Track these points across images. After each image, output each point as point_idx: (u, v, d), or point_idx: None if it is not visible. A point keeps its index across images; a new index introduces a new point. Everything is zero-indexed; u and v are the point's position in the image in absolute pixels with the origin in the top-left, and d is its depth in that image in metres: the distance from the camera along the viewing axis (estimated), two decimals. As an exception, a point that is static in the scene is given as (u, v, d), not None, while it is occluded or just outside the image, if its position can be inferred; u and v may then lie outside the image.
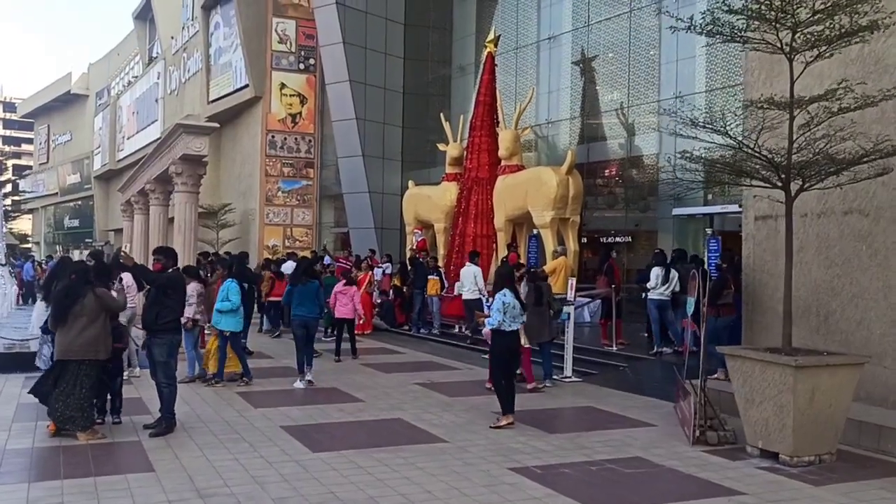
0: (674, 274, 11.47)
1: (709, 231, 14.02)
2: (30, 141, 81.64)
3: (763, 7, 7.30)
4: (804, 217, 8.94)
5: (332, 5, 24.00)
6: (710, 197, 16.87)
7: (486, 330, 8.60)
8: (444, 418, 8.49)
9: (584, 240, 18.48)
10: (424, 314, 17.07)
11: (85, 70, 63.06)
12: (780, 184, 7.53)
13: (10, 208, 48.52)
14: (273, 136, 30.17)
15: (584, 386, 10.79)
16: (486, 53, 19.96)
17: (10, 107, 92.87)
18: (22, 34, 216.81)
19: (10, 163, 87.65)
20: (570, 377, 11.11)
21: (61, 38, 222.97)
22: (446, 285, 16.48)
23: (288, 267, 16.34)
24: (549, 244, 16.13)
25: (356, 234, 25.70)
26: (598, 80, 19.87)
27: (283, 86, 30.17)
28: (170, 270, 7.90)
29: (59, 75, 71.77)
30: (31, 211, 74.62)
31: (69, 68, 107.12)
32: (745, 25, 7.58)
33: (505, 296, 8.47)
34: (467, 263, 15.17)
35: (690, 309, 8.95)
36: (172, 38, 40.72)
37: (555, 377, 11.05)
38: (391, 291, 18.08)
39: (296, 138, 30.47)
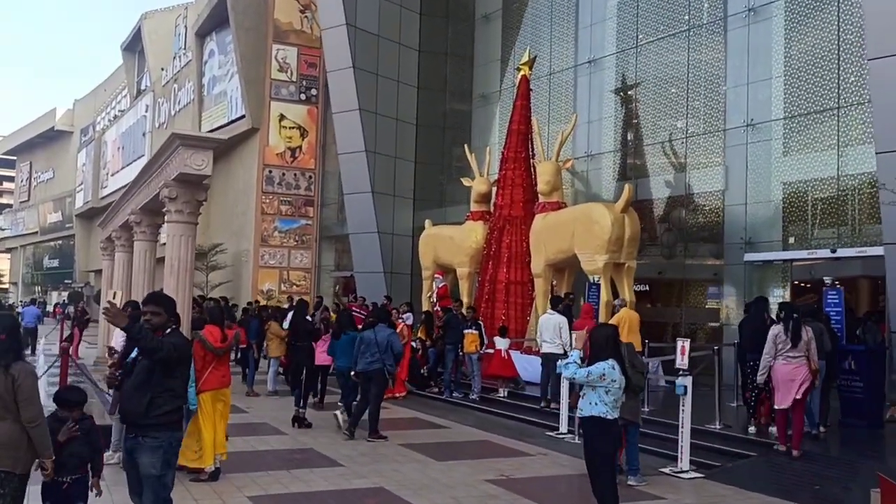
0: (808, 334, 8.77)
1: (827, 280, 11.44)
2: (11, 179, 78.57)
3: None
4: None
5: (343, 27, 21.73)
6: (791, 241, 14.39)
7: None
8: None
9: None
10: (458, 375, 14.35)
11: (70, 106, 60.55)
12: None
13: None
14: (270, 172, 27.96)
15: (710, 485, 8.00)
16: (519, 77, 17.86)
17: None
18: (4, 68, 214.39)
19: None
20: (686, 471, 8.32)
21: (46, 74, 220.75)
22: (486, 341, 13.74)
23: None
24: (604, 294, 13.64)
25: (363, 278, 23.20)
26: (647, 108, 17.57)
27: (282, 117, 28.02)
28: (169, 331, 5.12)
29: (43, 111, 69.07)
30: (8, 250, 71.46)
31: (54, 104, 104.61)
32: None
33: (613, 369, 5.79)
34: (549, 311, 12.66)
35: None
36: (163, 69, 38.49)
37: (663, 469, 8.31)
38: (417, 347, 15.30)
39: (295, 174, 28.28)
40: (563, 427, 10.60)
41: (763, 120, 14.86)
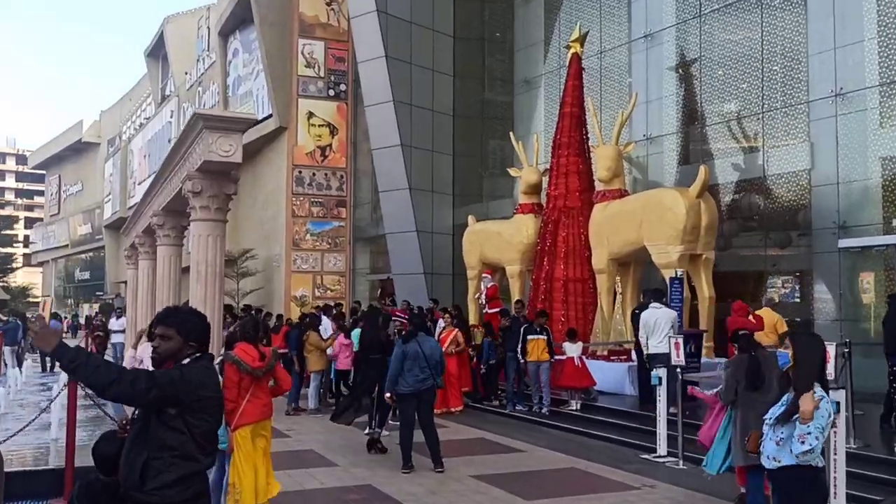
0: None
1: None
2: (41, 193, 78.34)
3: None
4: None
5: (373, 13, 20.26)
6: (894, 223, 12.54)
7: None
8: None
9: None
10: (521, 385, 12.74)
11: (97, 118, 59.82)
12: None
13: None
14: (300, 172, 26.60)
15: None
16: (570, 55, 16.33)
17: (22, 159, 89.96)
18: (34, 80, 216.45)
19: (22, 215, 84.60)
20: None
21: (74, 86, 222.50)
22: (554, 347, 12.09)
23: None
24: (705, 289, 12.16)
25: (401, 280, 21.84)
26: (713, 84, 15.91)
27: (310, 115, 26.62)
28: (187, 361, 3.48)
29: (71, 124, 68.46)
30: (40, 264, 71.02)
31: (81, 116, 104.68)
32: None
33: (829, 403, 4.29)
34: (653, 304, 10.96)
35: None
36: (186, 73, 37.30)
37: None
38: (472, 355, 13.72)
39: (326, 174, 26.95)
40: (662, 449, 8.92)
41: (855, 88, 13.02)
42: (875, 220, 12.81)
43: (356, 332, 13.08)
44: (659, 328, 10.46)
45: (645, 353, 10.81)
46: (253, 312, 17.28)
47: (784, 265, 14.82)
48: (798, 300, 14.56)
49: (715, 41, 15.71)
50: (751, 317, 10.56)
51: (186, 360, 3.44)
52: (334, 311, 16.36)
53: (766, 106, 14.71)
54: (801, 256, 14.33)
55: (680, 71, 16.60)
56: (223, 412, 3.92)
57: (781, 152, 14.45)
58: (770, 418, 4.35)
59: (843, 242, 12.93)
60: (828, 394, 4.38)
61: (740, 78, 15.31)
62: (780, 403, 4.37)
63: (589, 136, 15.81)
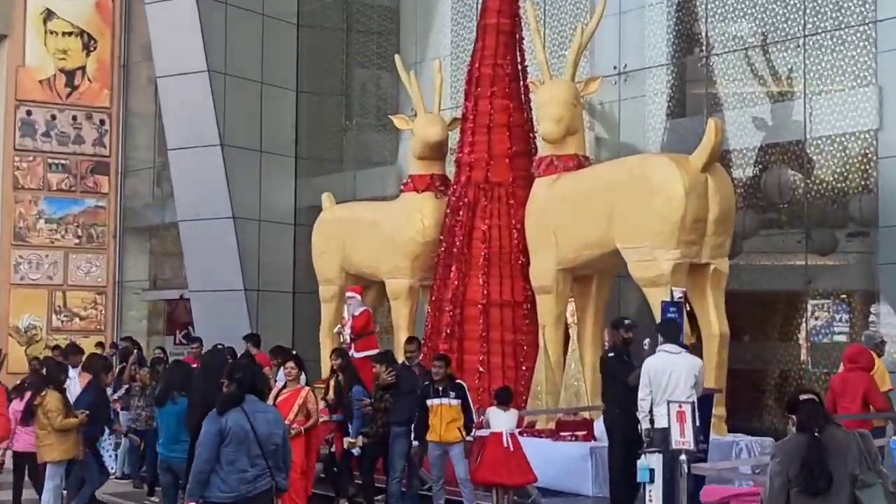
0: None
1: None
2: None
3: None
4: None
5: None
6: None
7: None
8: None
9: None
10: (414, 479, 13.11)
11: None
12: None
13: None
14: (29, 113, 26.60)
15: None
16: None
17: None
18: None
19: None
20: None
21: None
22: (473, 418, 12.23)
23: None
24: (714, 320, 12.92)
25: (204, 301, 22.39)
26: None
27: (49, 15, 26.73)
28: None
29: None
30: None
31: None
32: None
33: None
34: (665, 346, 11.18)
35: None
36: None
37: None
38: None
39: (74, 116, 27.12)
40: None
41: None
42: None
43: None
44: (677, 386, 10.69)
45: (643, 426, 10.95)
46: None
47: (830, 281, 15.64)
48: (848, 337, 15.38)
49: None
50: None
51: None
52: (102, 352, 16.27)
53: (809, 27, 15.42)
54: (859, 268, 15.18)
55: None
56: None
57: (833, 101, 15.23)
58: None
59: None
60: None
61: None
62: None
63: (527, 66, 16.24)
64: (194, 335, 20.99)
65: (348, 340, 16.76)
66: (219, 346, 14.47)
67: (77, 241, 26.79)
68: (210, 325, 20.91)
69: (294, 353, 14.82)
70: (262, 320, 21.05)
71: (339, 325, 17.46)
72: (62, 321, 26.17)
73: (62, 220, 26.65)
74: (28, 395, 13.73)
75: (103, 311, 26.95)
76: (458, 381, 12.50)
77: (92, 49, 26.94)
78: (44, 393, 13.39)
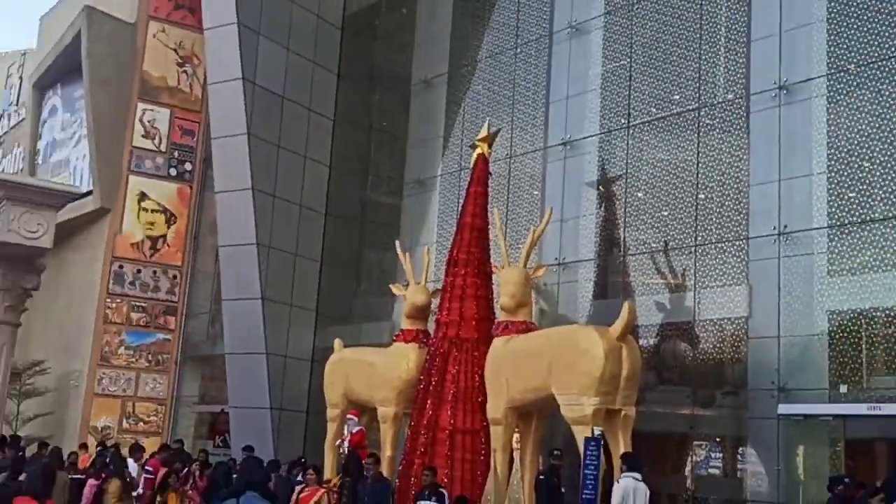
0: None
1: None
2: None
3: None
4: None
5: (238, 81, 20.79)
6: (844, 389, 13.27)
7: None
8: None
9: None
10: None
11: None
12: None
13: None
14: (121, 267, 25.96)
15: None
16: (475, 156, 16.84)
17: None
18: None
19: None
20: None
21: None
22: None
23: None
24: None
25: (239, 416, 21.59)
26: (640, 207, 16.95)
27: (143, 196, 26.29)
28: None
29: None
30: None
31: None
32: None
33: None
34: (629, 473, 11.20)
35: None
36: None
37: None
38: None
39: (154, 271, 26.43)
40: None
41: (801, 228, 14.10)
42: (820, 383, 13.51)
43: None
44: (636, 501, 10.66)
45: None
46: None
47: (709, 428, 15.30)
48: (722, 474, 15.11)
49: (644, 158, 16.81)
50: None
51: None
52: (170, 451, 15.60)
53: (699, 238, 15.56)
54: (732, 420, 14.81)
55: (601, 188, 17.48)
56: None
57: (715, 294, 15.20)
58: None
59: (784, 408, 13.50)
60: None
61: (671, 203, 16.25)
62: None
63: (492, 254, 16.14)
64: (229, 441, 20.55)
65: (345, 452, 16.01)
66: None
67: (147, 364, 26.13)
68: (243, 433, 20.31)
69: (314, 464, 14.55)
70: (282, 432, 20.50)
71: (339, 440, 16.95)
72: (130, 424, 25.43)
73: (138, 348, 26.01)
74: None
75: (162, 418, 26.20)
76: (441, 488, 12.14)
77: (172, 222, 26.61)
78: (109, 480, 12.96)
